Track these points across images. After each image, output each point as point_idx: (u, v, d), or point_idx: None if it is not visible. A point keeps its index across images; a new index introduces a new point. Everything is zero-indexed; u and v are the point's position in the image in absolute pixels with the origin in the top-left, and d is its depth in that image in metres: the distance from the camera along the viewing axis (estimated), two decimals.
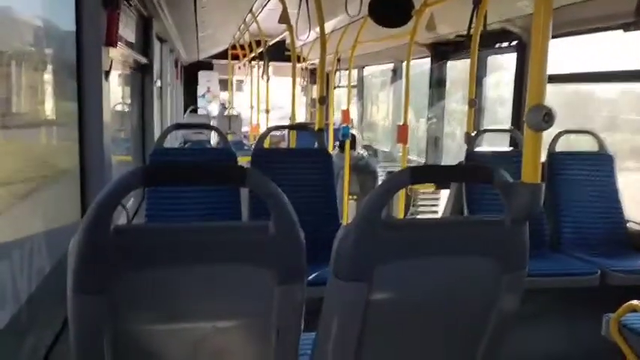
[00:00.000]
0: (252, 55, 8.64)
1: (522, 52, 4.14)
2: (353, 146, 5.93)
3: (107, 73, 2.33)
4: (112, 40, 2.32)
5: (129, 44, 3.54)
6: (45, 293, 1.85)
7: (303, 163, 3.18)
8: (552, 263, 3.05)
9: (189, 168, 1.22)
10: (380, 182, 4.95)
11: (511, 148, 4.11)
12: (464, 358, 1.49)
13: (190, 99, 11.80)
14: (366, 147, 7.71)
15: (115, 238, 1.13)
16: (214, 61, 11.96)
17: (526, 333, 2.39)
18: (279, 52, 8.19)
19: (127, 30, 3.45)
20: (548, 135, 3.44)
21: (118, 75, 3.59)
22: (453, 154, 5.92)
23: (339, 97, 9.66)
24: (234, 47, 10.08)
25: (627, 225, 3.38)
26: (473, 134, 3.85)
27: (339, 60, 7.16)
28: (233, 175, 1.23)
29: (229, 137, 5.99)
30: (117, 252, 1.14)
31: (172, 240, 1.18)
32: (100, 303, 1.14)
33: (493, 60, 5.04)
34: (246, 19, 6.71)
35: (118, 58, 2.95)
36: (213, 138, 7.98)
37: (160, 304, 1.21)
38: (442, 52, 5.74)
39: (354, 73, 8.38)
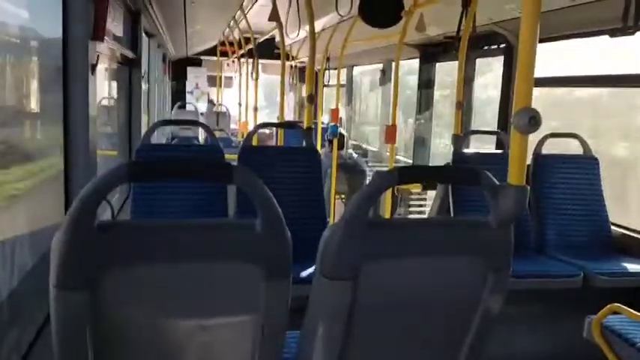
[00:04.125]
0: (242, 52, 8.60)
1: (510, 55, 4.18)
2: (342, 146, 5.93)
3: (94, 68, 2.30)
4: (99, 34, 2.29)
5: (116, 38, 3.50)
6: (27, 288, 1.82)
7: (290, 161, 3.17)
8: (536, 265, 3.08)
9: (174, 164, 1.21)
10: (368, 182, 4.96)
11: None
12: (447, 357, 1.50)
13: (178, 95, 11.72)
14: (355, 147, 7.72)
15: (99, 235, 1.12)
16: (203, 58, 11.89)
17: (509, 333, 2.41)
18: (268, 50, 8.15)
19: (115, 24, 3.42)
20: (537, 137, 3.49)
21: (105, 69, 3.56)
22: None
23: (328, 96, 9.67)
24: (223, 44, 10.03)
25: (611, 228, 3.42)
26: (460, 135, 3.88)
27: (328, 59, 7.15)
28: (219, 172, 1.22)
29: (217, 134, 5.95)
30: (100, 248, 1.12)
31: (157, 237, 1.17)
32: (83, 299, 1.12)
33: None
34: (236, 16, 6.68)
35: (105, 52, 2.92)
36: (201, 135, 7.93)
37: (143, 302, 1.20)
38: (431, 53, 5.76)
39: (344, 72, 8.39)
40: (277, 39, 6.89)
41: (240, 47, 8.49)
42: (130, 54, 4.10)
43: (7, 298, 1.67)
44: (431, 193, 5.04)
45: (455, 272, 1.39)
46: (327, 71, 7.37)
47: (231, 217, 2.98)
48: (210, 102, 11.47)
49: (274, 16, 4.53)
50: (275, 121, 6.44)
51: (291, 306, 1.28)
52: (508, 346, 2.59)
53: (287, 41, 5.25)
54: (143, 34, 4.72)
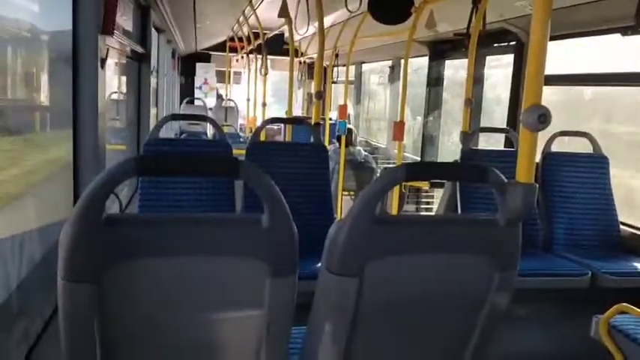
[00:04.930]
0: (250, 47, 8.61)
1: (520, 52, 4.15)
2: (350, 142, 5.93)
3: (103, 62, 2.31)
4: (109, 28, 2.30)
5: (126, 33, 3.51)
6: (35, 280, 1.84)
7: (298, 157, 3.17)
8: (544, 263, 3.06)
9: (182, 159, 1.22)
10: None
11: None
12: (453, 356, 1.49)
13: (187, 90, 11.76)
14: (365, 143, 7.72)
15: (106, 228, 1.12)
16: (212, 53, 11.92)
17: (516, 332, 2.40)
18: (277, 46, 8.15)
19: (125, 18, 3.43)
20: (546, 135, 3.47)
21: (115, 64, 3.57)
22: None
23: (337, 92, 9.65)
24: (232, 39, 10.04)
25: (620, 227, 3.40)
26: (469, 133, 3.86)
27: (337, 55, 7.13)
28: (226, 166, 1.22)
29: (225, 129, 5.95)
30: (107, 241, 1.13)
31: (164, 231, 1.17)
32: (90, 292, 1.13)
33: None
34: (245, 11, 6.68)
35: (114, 46, 2.93)
36: (209, 130, 7.95)
37: (150, 295, 1.21)
38: (440, 50, 5.74)
39: (352, 69, 8.37)
40: (286, 35, 6.88)
41: (249, 43, 8.49)
42: (139, 49, 4.11)
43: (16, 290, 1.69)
44: (439, 191, 5.03)
45: (462, 270, 1.38)
46: (335, 68, 7.36)
47: (239, 213, 2.99)
48: (219, 97, 11.49)
49: (284, 12, 4.53)
50: (283, 116, 6.45)
51: (297, 301, 1.28)
52: (514, 344, 2.58)
53: (296, 37, 5.24)
54: (153, 30, 4.73)
